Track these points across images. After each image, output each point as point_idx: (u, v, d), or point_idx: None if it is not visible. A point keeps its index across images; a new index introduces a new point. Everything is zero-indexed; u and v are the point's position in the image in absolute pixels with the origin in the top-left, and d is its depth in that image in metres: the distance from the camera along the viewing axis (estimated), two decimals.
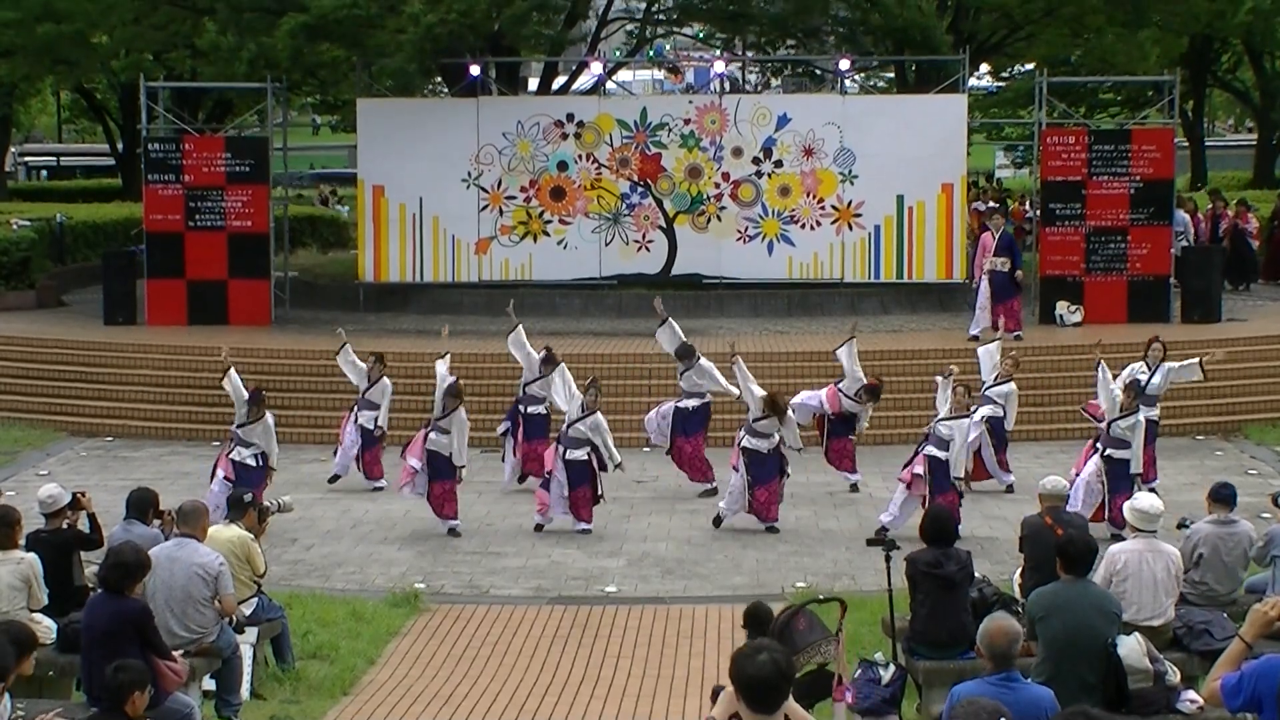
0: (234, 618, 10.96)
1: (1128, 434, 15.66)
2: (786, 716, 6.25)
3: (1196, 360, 17.42)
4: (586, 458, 16.22)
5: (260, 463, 16.53)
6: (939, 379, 16.31)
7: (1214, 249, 27.34)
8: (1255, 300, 27.82)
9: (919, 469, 15.70)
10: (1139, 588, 10.34)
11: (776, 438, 16.39)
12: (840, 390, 18.04)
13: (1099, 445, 15.84)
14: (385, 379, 18.67)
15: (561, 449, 16.30)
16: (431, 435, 16.35)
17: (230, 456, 16.53)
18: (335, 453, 18.97)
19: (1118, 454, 15.65)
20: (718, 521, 16.56)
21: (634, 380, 21.73)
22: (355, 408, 18.60)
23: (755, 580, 14.66)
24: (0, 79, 33.90)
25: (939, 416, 15.90)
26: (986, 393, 17.86)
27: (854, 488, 18.16)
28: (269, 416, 16.65)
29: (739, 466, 16.36)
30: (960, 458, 15.75)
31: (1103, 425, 15.95)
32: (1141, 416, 15.88)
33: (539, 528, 16.45)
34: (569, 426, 16.38)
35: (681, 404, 18.19)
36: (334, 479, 18.61)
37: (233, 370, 16.90)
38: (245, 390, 16.72)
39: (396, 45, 25.37)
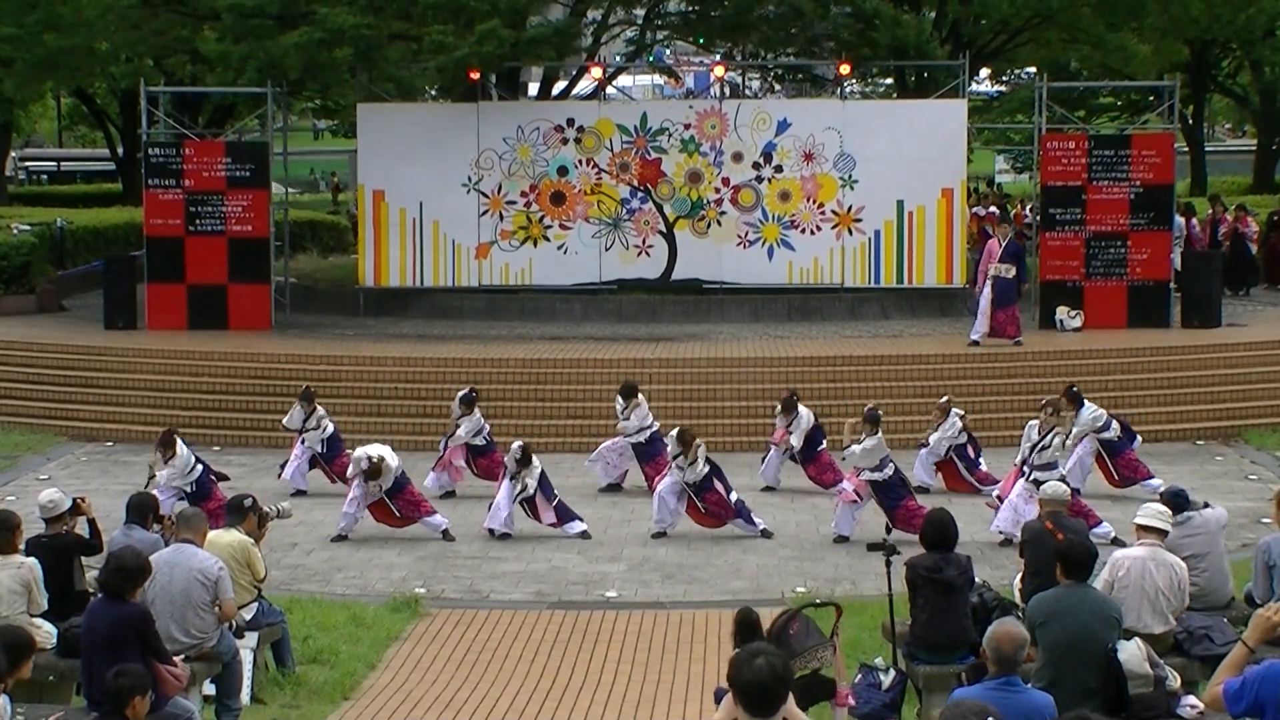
0: (234, 622, 10.96)
1: (1054, 457, 15.66)
2: None
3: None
4: (533, 493, 16.28)
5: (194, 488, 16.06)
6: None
7: (1214, 254, 27.32)
8: (1255, 305, 27.82)
9: (858, 492, 15.86)
10: (1140, 596, 10.30)
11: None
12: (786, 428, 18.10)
13: (1025, 469, 15.71)
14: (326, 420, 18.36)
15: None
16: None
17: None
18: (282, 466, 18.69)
19: (1044, 476, 15.03)
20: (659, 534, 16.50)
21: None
22: (302, 440, 18.43)
23: (755, 585, 14.64)
24: (2, 92, 33.89)
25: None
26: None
27: None
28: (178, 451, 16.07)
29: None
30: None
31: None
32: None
33: (491, 533, 16.41)
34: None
35: (634, 439, 18.17)
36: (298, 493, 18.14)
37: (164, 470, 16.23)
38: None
39: (418, 65, 25.53)
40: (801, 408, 18.02)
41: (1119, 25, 29.46)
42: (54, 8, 27.89)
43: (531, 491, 16.26)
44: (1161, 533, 10.59)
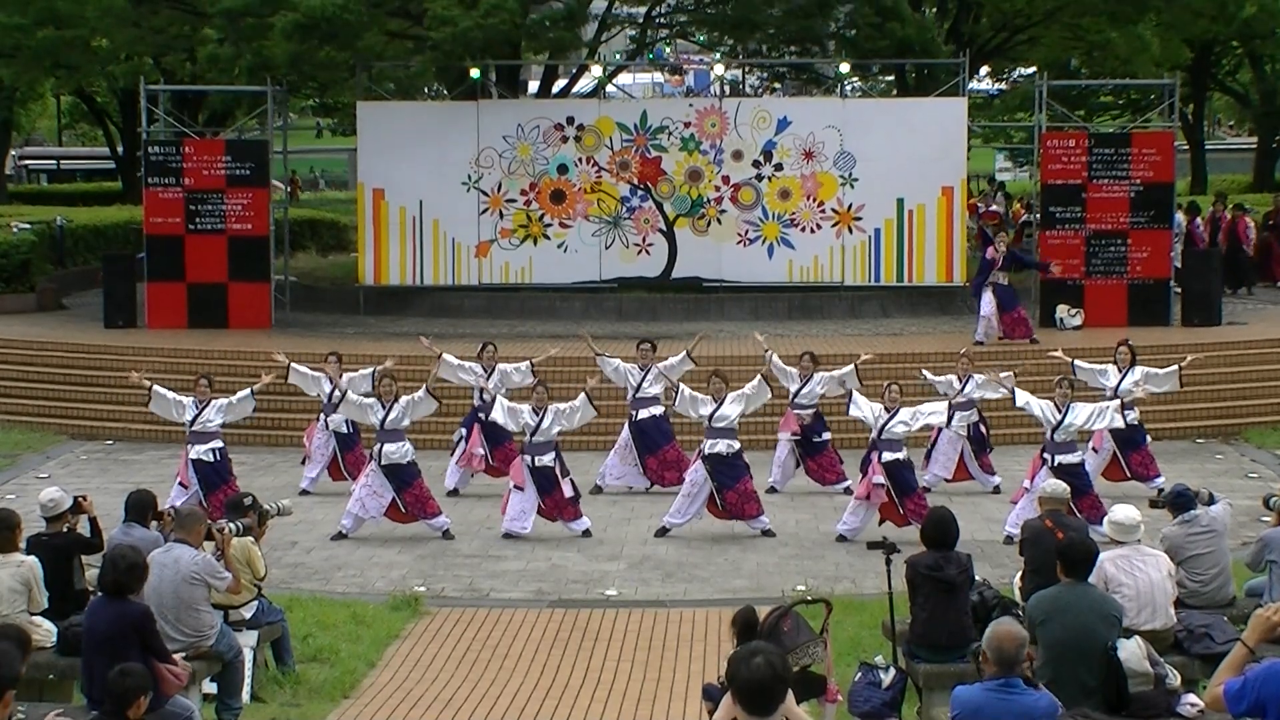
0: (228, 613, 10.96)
1: (1071, 435, 15.67)
2: (786, 718, 6.25)
3: (1175, 369, 17.50)
4: (552, 463, 16.17)
5: (218, 457, 16.50)
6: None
7: (1214, 252, 27.33)
8: (1255, 304, 27.83)
9: (878, 478, 15.67)
10: (1136, 593, 10.29)
11: (736, 432, 16.32)
12: (794, 407, 17.98)
13: (1046, 456, 15.69)
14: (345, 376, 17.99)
15: (530, 458, 16.19)
16: (387, 448, 16.17)
17: (190, 458, 16.46)
18: (303, 462, 18.64)
19: (1067, 459, 15.52)
20: (662, 531, 16.43)
21: None
22: (322, 413, 18.27)
23: (755, 584, 14.63)
24: (1, 81, 33.93)
25: (883, 423, 15.81)
26: (957, 400, 17.64)
27: (848, 490, 18.02)
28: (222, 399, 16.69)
29: (697, 475, 16.32)
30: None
31: (1047, 435, 15.85)
32: (1080, 411, 15.81)
33: (509, 535, 16.33)
34: (532, 435, 16.20)
35: (637, 420, 18.06)
36: (304, 493, 18.11)
37: (155, 387, 16.72)
38: (173, 394, 16.67)
39: (418, 60, 25.45)
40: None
41: (1124, 21, 29.41)
42: (53, 3, 27.93)
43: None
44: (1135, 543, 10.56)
